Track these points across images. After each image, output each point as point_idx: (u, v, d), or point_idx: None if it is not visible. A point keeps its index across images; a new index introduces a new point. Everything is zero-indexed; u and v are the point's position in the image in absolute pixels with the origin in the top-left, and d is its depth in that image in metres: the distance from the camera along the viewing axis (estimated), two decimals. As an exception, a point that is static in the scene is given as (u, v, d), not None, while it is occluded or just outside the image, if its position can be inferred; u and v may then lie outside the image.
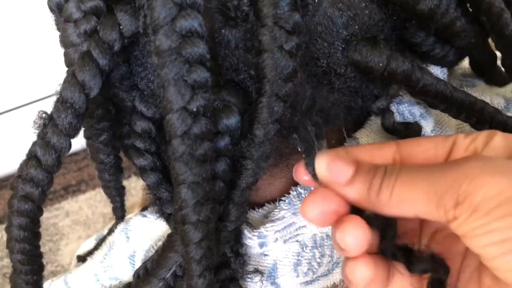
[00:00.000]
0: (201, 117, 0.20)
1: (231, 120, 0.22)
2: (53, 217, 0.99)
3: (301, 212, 0.22)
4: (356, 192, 0.21)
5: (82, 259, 0.37)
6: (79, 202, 1.01)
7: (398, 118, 0.26)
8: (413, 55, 0.26)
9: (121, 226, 0.32)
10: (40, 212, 0.24)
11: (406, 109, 0.27)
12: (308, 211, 0.21)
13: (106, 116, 0.26)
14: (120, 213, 0.34)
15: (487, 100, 0.28)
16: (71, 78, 0.22)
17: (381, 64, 0.22)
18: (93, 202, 1.01)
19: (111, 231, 0.34)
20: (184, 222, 0.21)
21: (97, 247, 0.35)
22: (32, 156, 0.22)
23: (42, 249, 0.26)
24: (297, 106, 0.23)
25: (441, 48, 0.26)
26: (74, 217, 0.99)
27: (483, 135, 0.21)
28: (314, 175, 0.22)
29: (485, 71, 0.32)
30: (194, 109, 0.20)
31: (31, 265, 0.25)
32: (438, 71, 0.28)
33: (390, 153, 0.22)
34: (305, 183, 0.23)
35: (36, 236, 0.24)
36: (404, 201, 0.20)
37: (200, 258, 0.22)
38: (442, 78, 0.27)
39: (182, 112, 0.19)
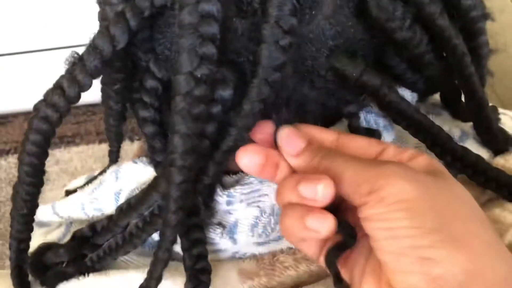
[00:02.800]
0: (203, 83, 0.25)
1: (226, 92, 0.26)
2: (43, 162, 1.03)
3: (236, 158, 0.27)
4: (300, 162, 0.27)
5: (70, 192, 0.42)
6: (71, 153, 1.06)
7: (364, 124, 0.31)
8: (387, 75, 0.31)
9: (113, 168, 0.37)
10: (53, 134, 0.28)
11: (372, 118, 0.31)
12: (240, 158, 0.27)
13: (123, 69, 0.30)
14: (114, 157, 0.39)
15: (446, 129, 0.32)
16: (105, 31, 0.26)
17: (354, 74, 0.27)
18: (84, 156, 1.06)
19: (103, 171, 0.39)
20: (171, 165, 0.26)
21: (87, 183, 0.40)
22: (58, 86, 0.27)
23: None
24: (280, 94, 0.27)
25: (412, 75, 0.31)
26: (63, 166, 1.03)
27: (409, 152, 0.26)
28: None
29: (451, 104, 0.37)
30: (198, 75, 0.24)
31: (34, 178, 0.29)
32: (408, 94, 0.32)
33: (331, 138, 0.28)
34: (244, 168, 0.27)
35: (45, 154, 0.29)
36: (334, 178, 0.25)
37: (177, 198, 0.26)
38: (410, 101, 0.32)
39: (188, 75, 0.24)
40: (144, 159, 0.34)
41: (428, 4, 0.26)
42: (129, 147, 0.99)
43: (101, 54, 0.26)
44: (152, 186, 0.31)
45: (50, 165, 1.03)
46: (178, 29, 0.24)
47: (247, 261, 0.32)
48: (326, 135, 0.28)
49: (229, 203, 0.31)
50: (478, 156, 0.31)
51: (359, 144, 0.27)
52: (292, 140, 0.27)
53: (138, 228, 0.31)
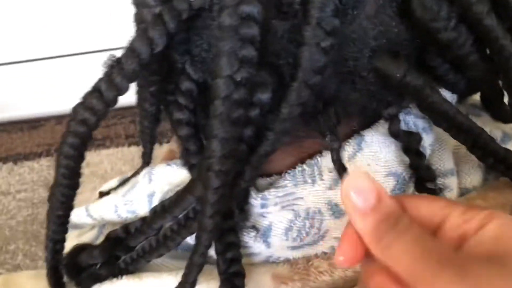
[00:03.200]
0: (242, 86, 0.24)
1: (265, 96, 0.26)
2: (73, 164, 1.06)
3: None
4: (366, 224, 0.22)
5: (104, 194, 0.42)
6: (101, 156, 1.07)
7: (403, 126, 0.30)
8: (429, 76, 0.30)
9: (146, 170, 0.37)
10: (90, 137, 0.28)
11: (411, 120, 0.30)
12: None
13: (159, 71, 0.30)
14: (147, 159, 0.39)
15: (487, 130, 0.31)
16: (143, 33, 0.26)
17: (398, 75, 0.26)
18: (114, 159, 1.07)
19: (136, 173, 0.39)
20: (209, 170, 0.25)
21: (120, 185, 0.40)
22: (96, 89, 0.27)
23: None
24: (321, 96, 0.27)
25: (454, 76, 0.30)
26: (93, 169, 1.05)
27: (479, 219, 0.22)
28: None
29: (492, 106, 0.36)
30: (238, 79, 0.24)
31: (71, 180, 0.30)
32: (448, 95, 0.31)
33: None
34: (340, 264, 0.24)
35: (82, 157, 0.29)
36: (394, 259, 0.22)
37: (214, 202, 0.26)
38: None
39: (228, 79, 0.24)
40: (178, 161, 0.34)
41: (475, 3, 0.26)
42: (157, 150, 1.00)
43: (139, 57, 0.26)
44: (187, 189, 0.30)
45: (81, 168, 1.04)
46: (218, 31, 0.24)
47: (280, 265, 0.32)
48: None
49: (263, 206, 0.30)
50: None
51: (423, 211, 0.23)
52: (365, 190, 0.22)
53: (173, 231, 0.31)
